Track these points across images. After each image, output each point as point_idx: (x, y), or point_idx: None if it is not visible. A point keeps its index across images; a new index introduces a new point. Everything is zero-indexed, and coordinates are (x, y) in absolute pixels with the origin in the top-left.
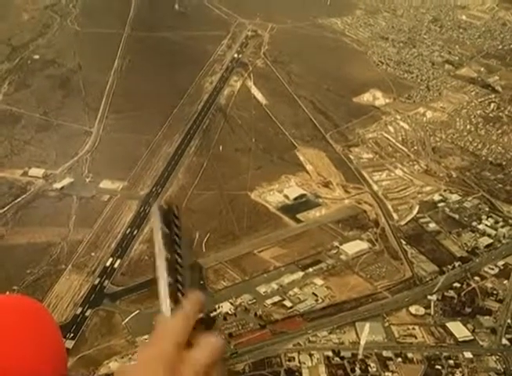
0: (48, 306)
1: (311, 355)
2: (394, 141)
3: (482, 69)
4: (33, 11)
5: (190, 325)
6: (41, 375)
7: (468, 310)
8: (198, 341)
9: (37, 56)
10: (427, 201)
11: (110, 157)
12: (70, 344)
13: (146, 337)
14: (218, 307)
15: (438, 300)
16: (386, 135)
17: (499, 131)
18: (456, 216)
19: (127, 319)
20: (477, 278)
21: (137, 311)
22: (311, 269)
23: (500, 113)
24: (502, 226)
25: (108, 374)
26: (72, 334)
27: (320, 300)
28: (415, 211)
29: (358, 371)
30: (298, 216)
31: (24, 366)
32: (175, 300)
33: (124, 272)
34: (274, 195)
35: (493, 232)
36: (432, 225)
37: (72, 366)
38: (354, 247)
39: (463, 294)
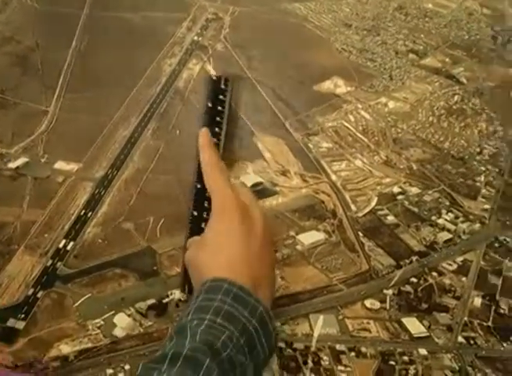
0: (0, 286)
1: None
2: (354, 131)
3: (447, 59)
4: None
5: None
6: None
7: (424, 306)
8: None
9: None
10: (386, 193)
11: (66, 138)
12: (21, 325)
13: (97, 321)
14: (171, 293)
15: (394, 295)
16: (346, 124)
17: (462, 124)
18: (416, 210)
19: (78, 303)
20: (434, 274)
21: (89, 294)
22: None
23: (464, 106)
24: (463, 222)
25: (59, 356)
26: (23, 315)
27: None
28: (373, 203)
29: (310, 364)
30: None
31: None
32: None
33: (77, 254)
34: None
35: (453, 227)
36: (390, 218)
37: (22, 348)
38: (310, 237)
39: (419, 289)
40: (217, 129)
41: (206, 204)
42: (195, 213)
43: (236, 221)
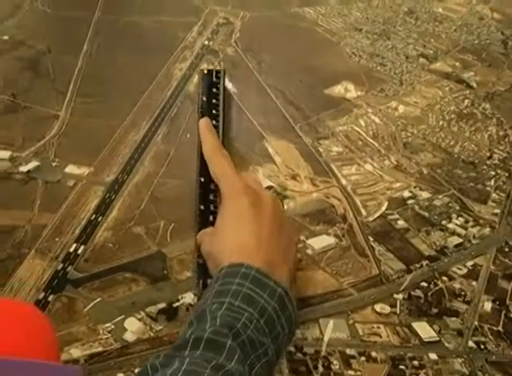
0: (11, 290)
1: None
2: (364, 135)
3: (457, 64)
4: None
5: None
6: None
7: (435, 310)
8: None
9: (6, 37)
10: (396, 198)
11: (77, 142)
12: None
13: (107, 325)
14: (181, 297)
15: (404, 299)
16: (356, 128)
17: (473, 128)
18: (426, 214)
19: (89, 307)
20: (444, 278)
21: (99, 298)
22: None
23: (474, 110)
24: (473, 226)
25: (69, 360)
26: None
27: None
28: (384, 208)
29: (320, 368)
30: None
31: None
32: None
33: (88, 258)
34: None
35: (463, 231)
36: (401, 223)
37: None
38: (320, 241)
39: (430, 294)
40: (214, 122)
41: (211, 197)
42: (202, 207)
43: (245, 205)
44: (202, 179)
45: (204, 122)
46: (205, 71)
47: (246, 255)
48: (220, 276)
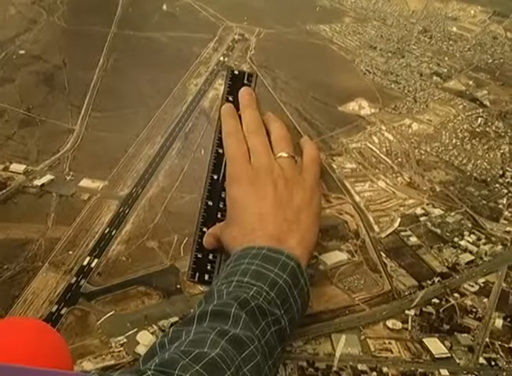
0: (24, 303)
1: (285, 364)
2: (378, 152)
3: (471, 82)
4: (20, 5)
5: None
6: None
7: (446, 327)
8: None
9: (22, 51)
10: (408, 214)
11: (92, 156)
12: None
13: (120, 338)
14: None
15: (415, 315)
16: (370, 145)
17: (485, 146)
18: (438, 231)
19: (102, 320)
20: (456, 295)
21: (112, 312)
22: None
23: (487, 129)
24: (485, 243)
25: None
26: None
27: None
28: (396, 224)
29: None
30: None
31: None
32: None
33: (101, 272)
34: None
35: (475, 248)
36: (413, 239)
37: None
38: (333, 257)
39: (441, 310)
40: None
41: (223, 195)
42: (210, 203)
43: (244, 185)
44: (215, 176)
45: (227, 108)
46: (235, 72)
47: (255, 236)
48: (232, 259)
